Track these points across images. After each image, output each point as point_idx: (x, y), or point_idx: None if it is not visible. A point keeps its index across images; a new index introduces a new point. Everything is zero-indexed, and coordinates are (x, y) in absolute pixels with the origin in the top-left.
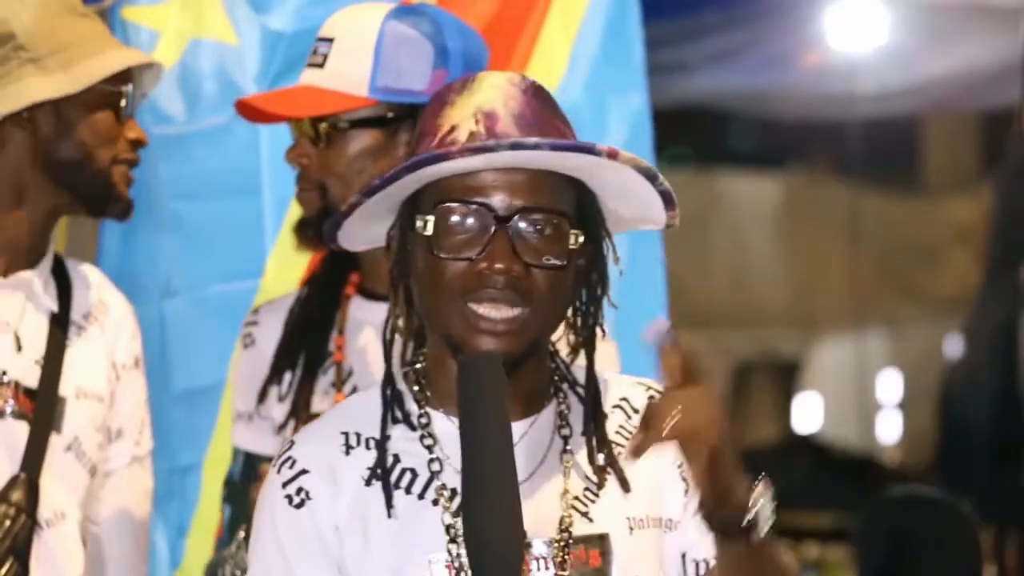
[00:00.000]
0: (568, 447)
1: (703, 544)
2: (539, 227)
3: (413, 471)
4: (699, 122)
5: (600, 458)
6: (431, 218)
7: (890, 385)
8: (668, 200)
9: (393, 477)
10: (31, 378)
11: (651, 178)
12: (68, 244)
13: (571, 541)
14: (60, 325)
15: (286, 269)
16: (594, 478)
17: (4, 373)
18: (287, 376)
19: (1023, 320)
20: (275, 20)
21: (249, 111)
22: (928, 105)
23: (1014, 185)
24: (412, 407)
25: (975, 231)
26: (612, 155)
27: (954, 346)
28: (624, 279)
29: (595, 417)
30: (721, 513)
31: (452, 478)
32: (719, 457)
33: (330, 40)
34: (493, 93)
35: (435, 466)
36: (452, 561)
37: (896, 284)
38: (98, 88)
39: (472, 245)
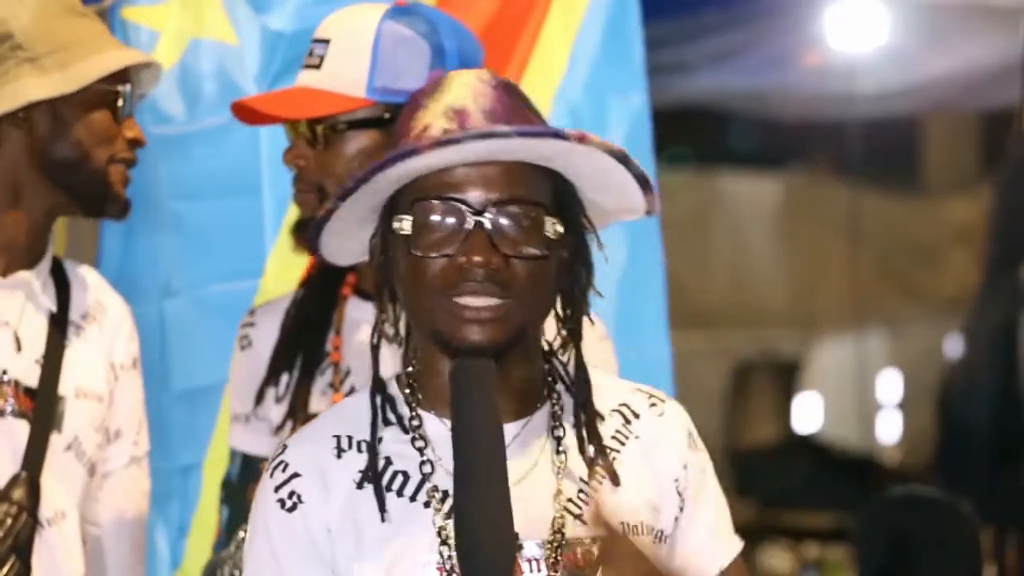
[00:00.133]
0: (561, 448)
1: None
2: (516, 218)
3: (405, 473)
4: (699, 122)
5: (590, 450)
6: (408, 217)
7: (890, 385)
8: (644, 184)
9: (385, 479)
10: (31, 377)
11: (623, 161)
12: (68, 244)
13: (564, 543)
14: (59, 325)
15: (286, 269)
16: (588, 480)
17: (4, 372)
18: (284, 377)
19: (1023, 320)
20: (275, 20)
21: (245, 113)
22: (928, 105)
23: (1014, 185)
24: (404, 410)
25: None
26: (581, 139)
27: (954, 346)
28: (624, 279)
29: (585, 409)
30: None
31: (444, 480)
32: None
33: (326, 41)
34: (463, 91)
35: (427, 468)
36: (444, 563)
37: (896, 284)
38: (95, 88)
39: (450, 241)
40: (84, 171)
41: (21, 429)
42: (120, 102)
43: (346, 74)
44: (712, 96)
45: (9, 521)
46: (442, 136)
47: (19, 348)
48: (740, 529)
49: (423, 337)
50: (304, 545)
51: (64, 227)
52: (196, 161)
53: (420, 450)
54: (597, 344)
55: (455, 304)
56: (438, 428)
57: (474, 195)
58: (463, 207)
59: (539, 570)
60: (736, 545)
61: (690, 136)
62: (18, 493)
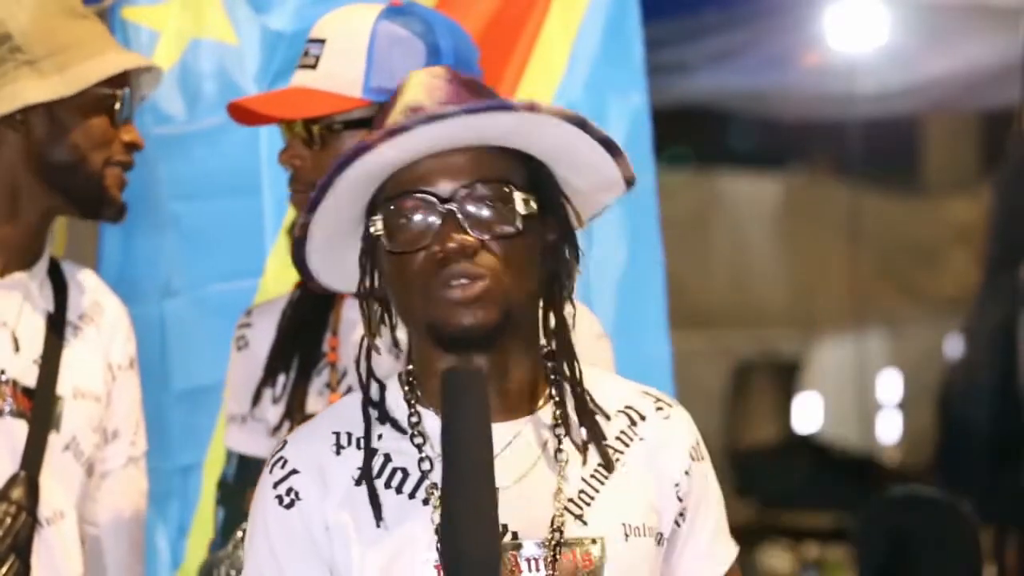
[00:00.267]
0: (562, 447)
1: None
2: (485, 200)
3: (404, 470)
4: (699, 122)
5: (583, 433)
6: (379, 217)
7: (890, 385)
8: (611, 148)
9: (384, 476)
10: (29, 377)
11: (581, 125)
12: (68, 244)
13: (562, 542)
14: (56, 326)
15: (286, 268)
16: (591, 481)
17: (2, 372)
18: (281, 378)
19: (1022, 319)
20: (275, 20)
21: (241, 113)
22: (928, 105)
23: (1014, 185)
24: (403, 407)
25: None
26: (531, 108)
27: (954, 346)
28: (624, 279)
29: (574, 390)
30: None
31: None
32: None
33: (322, 41)
34: (417, 89)
35: (425, 465)
36: (441, 560)
37: (896, 284)
38: (93, 91)
39: (425, 234)
40: (80, 174)
41: (20, 429)
42: (117, 105)
43: (342, 74)
44: (712, 96)
45: (8, 520)
46: (391, 126)
47: (17, 349)
48: (740, 529)
49: (418, 334)
50: (302, 542)
51: (64, 228)
52: (196, 161)
53: (419, 447)
54: (594, 342)
55: (440, 294)
56: (437, 425)
57: (441, 185)
58: (431, 198)
59: (538, 569)
60: (733, 550)
61: (690, 136)
62: (17, 493)
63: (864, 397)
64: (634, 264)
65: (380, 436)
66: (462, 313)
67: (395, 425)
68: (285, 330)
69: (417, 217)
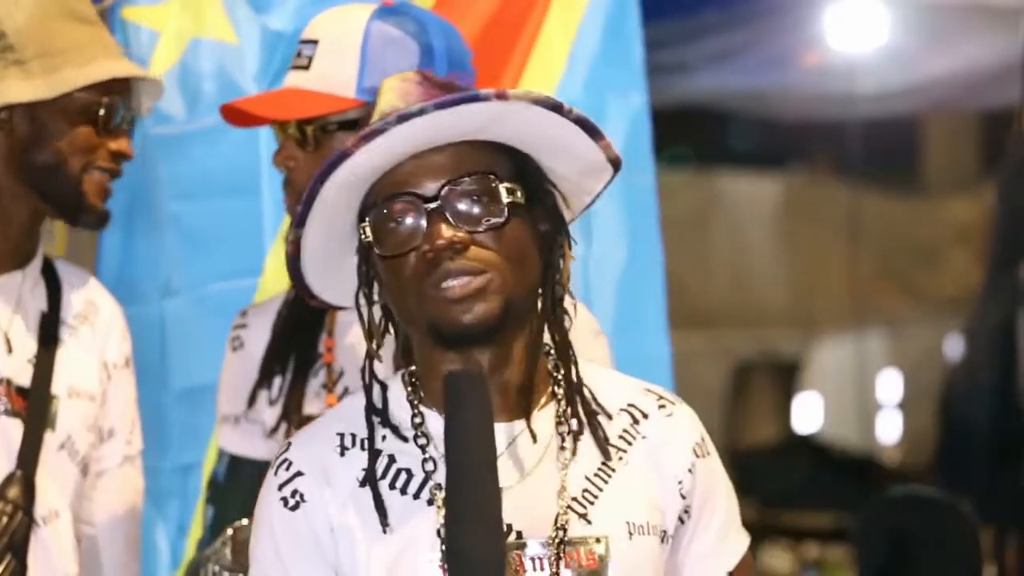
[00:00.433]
0: (565, 445)
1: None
2: (469, 194)
3: (408, 471)
4: (699, 122)
5: (574, 423)
6: (367, 223)
7: (890, 385)
8: (588, 128)
9: (388, 477)
10: (23, 377)
11: (555, 109)
12: (68, 244)
13: (566, 540)
14: (50, 325)
15: (285, 268)
16: (594, 480)
17: None
18: (277, 380)
19: (1022, 319)
20: (275, 20)
21: (235, 115)
22: (928, 105)
23: (1015, 184)
24: (405, 409)
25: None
26: (501, 97)
27: (954, 346)
28: (624, 279)
29: (568, 379)
30: None
31: None
32: None
33: (314, 42)
34: (391, 95)
35: (429, 466)
36: (445, 561)
37: (896, 284)
38: (78, 96)
39: (414, 235)
40: (59, 178)
41: (15, 428)
42: (102, 112)
43: (335, 75)
44: (712, 96)
45: (5, 520)
46: (365, 131)
47: (10, 350)
48: None
49: (419, 335)
50: (307, 544)
51: (64, 227)
52: (196, 160)
53: (422, 448)
54: (592, 340)
55: (436, 294)
56: (440, 425)
57: (425, 185)
58: (416, 199)
59: (542, 568)
60: (743, 543)
61: (690, 136)
62: (13, 492)
63: (864, 397)
64: (634, 264)
65: (384, 437)
66: (461, 310)
67: (396, 432)
68: (280, 331)
69: (404, 219)
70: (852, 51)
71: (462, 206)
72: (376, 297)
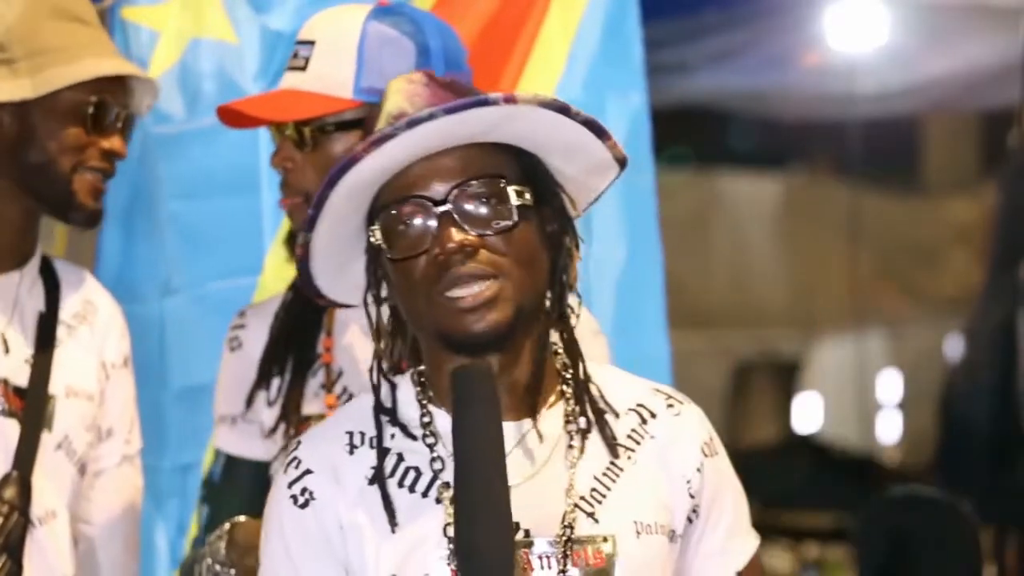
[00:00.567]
0: (573, 444)
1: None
2: (478, 197)
3: (417, 469)
4: (699, 122)
5: (582, 422)
6: (376, 227)
7: (890, 385)
8: (595, 130)
9: (397, 476)
10: (21, 377)
11: (563, 111)
12: (68, 243)
13: (573, 538)
14: (48, 325)
15: (284, 266)
16: (602, 479)
17: None
18: (275, 381)
19: (1022, 319)
20: (275, 20)
21: (232, 116)
22: (928, 105)
23: (1016, 184)
24: (415, 407)
25: (975, 231)
26: (509, 100)
27: (954, 346)
28: (623, 278)
29: (576, 378)
30: None
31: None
32: None
33: (311, 43)
34: (397, 97)
35: (437, 465)
36: (453, 560)
37: (896, 284)
38: (66, 96)
39: (423, 238)
40: (49, 177)
41: (11, 428)
42: (91, 110)
43: (332, 75)
44: (712, 96)
45: (0, 520)
46: (374, 136)
47: (7, 350)
48: None
49: (427, 337)
50: (317, 541)
51: (64, 227)
52: (195, 160)
53: (431, 447)
54: (591, 339)
55: (447, 299)
56: (449, 424)
57: (434, 188)
58: (425, 202)
59: (550, 567)
60: (752, 543)
61: (690, 136)
62: (9, 492)
63: (864, 397)
64: (633, 264)
65: (392, 435)
66: (472, 320)
67: (405, 431)
68: (278, 332)
69: (414, 222)
70: (852, 51)
71: (472, 209)
72: (384, 292)
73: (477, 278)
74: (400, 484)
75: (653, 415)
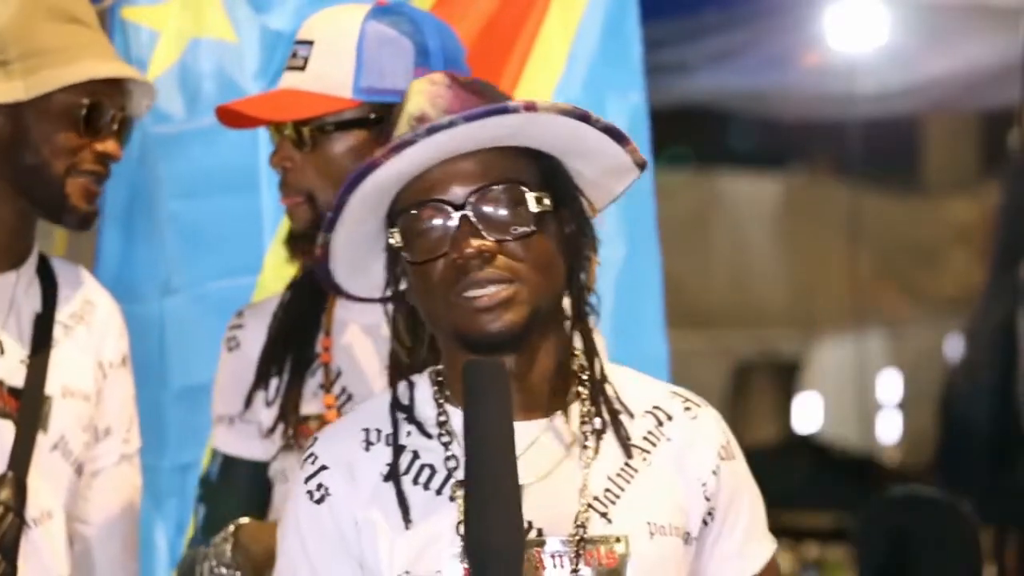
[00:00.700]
0: (588, 445)
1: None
2: (497, 202)
3: (432, 467)
4: (699, 122)
5: (597, 422)
6: (396, 229)
7: (890, 385)
8: (615, 136)
9: (412, 473)
10: (16, 378)
11: (583, 119)
12: (68, 243)
13: (586, 538)
14: (45, 325)
15: (284, 265)
16: (617, 479)
17: None
18: (273, 381)
19: (1022, 319)
20: (275, 20)
21: (231, 117)
22: (928, 105)
23: (1016, 184)
24: (431, 406)
25: (975, 231)
26: (530, 108)
27: (954, 346)
28: (621, 278)
29: (592, 378)
30: None
31: None
32: None
33: (310, 43)
34: (419, 98)
35: (452, 463)
36: (465, 551)
37: (896, 284)
38: (59, 98)
39: (442, 241)
40: (42, 179)
41: (7, 429)
42: (84, 113)
43: (331, 75)
44: (712, 96)
45: None
46: (395, 142)
47: (2, 351)
48: None
49: (445, 337)
50: (332, 537)
51: None
52: (195, 159)
53: (446, 445)
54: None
55: (464, 300)
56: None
57: (453, 191)
58: (444, 205)
59: (562, 566)
60: (769, 547)
61: (690, 136)
62: (4, 493)
63: (864, 397)
64: (632, 264)
65: (408, 433)
66: (488, 320)
67: (421, 429)
68: (276, 332)
69: (433, 225)
70: (852, 51)
71: (490, 214)
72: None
73: (493, 282)
74: (415, 481)
75: (670, 417)
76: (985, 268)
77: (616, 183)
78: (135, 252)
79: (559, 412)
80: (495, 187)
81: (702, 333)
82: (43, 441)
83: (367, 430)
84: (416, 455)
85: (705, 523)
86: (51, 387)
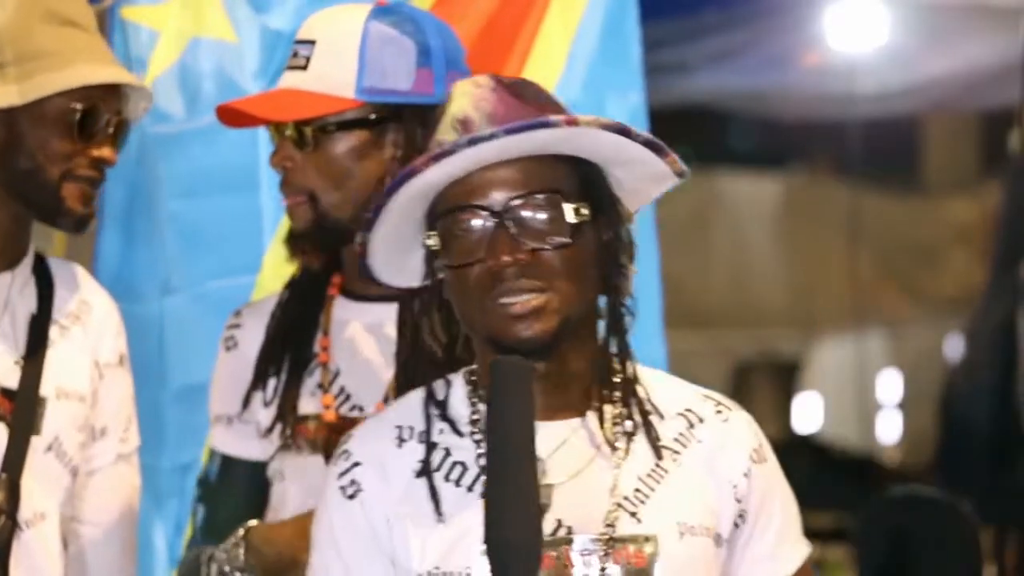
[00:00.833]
0: (618, 445)
1: None
2: (535, 211)
3: (463, 464)
4: (699, 122)
5: (628, 425)
6: (434, 232)
7: (890, 385)
8: (655, 148)
9: (444, 470)
10: (11, 379)
11: (624, 134)
12: (68, 243)
13: (615, 537)
14: (40, 326)
15: (283, 265)
16: (647, 480)
17: None
18: (271, 381)
19: (1022, 318)
20: (275, 20)
21: (233, 116)
22: (928, 105)
23: (1017, 184)
24: (465, 405)
25: (975, 231)
26: (571, 123)
27: (954, 346)
28: None
29: (625, 380)
30: None
31: None
32: None
33: (311, 42)
34: (464, 100)
35: (483, 460)
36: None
37: (896, 284)
38: (53, 102)
39: (479, 246)
40: (36, 183)
41: (0, 431)
42: (78, 118)
43: (334, 75)
44: (712, 96)
45: None
46: (436, 151)
47: None
48: None
49: (479, 339)
50: (364, 532)
51: None
52: (195, 159)
53: (478, 443)
54: None
55: (498, 306)
56: None
57: (492, 197)
58: (482, 211)
59: (590, 565)
60: (803, 551)
61: (690, 136)
62: None
63: (864, 397)
64: None
65: (441, 431)
66: (519, 326)
67: (453, 427)
68: (274, 332)
69: (470, 230)
70: (852, 51)
71: (527, 223)
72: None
73: (527, 291)
74: (447, 478)
75: (701, 420)
76: (985, 268)
77: (654, 188)
78: (135, 252)
79: (591, 413)
80: (534, 196)
81: (702, 333)
82: (37, 443)
83: (400, 427)
84: (448, 452)
85: (736, 525)
86: (46, 388)
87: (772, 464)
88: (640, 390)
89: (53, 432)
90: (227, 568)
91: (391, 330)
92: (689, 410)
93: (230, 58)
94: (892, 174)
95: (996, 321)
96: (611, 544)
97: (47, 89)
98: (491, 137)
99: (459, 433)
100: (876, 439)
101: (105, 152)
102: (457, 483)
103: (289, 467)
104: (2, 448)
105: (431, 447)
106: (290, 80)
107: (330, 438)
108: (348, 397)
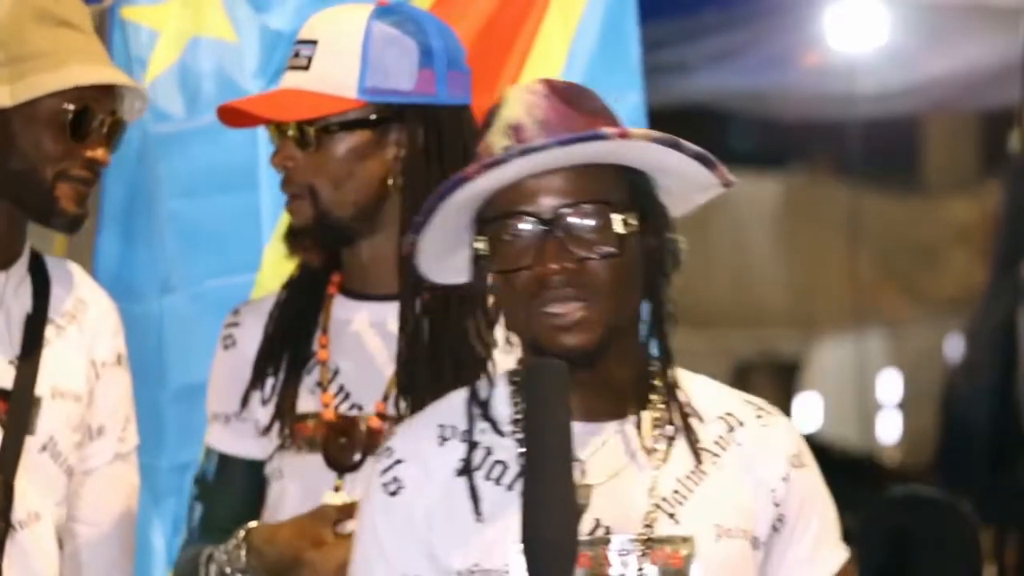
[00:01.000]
0: (659, 447)
1: None
2: (585, 221)
3: (504, 464)
4: (699, 122)
5: (669, 429)
6: (484, 237)
7: (890, 385)
8: (705, 161)
9: (484, 468)
10: (5, 379)
11: (674, 146)
12: (68, 243)
13: (652, 537)
14: (36, 325)
15: (283, 264)
16: (685, 482)
17: None
18: (270, 379)
19: (1022, 318)
20: (275, 19)
21: (234, 115)
22: (928, 105)
23: (1017, 184)
24: (506, 408)
25: (975, 231)
26: (624, 136)
27: (954, 346)
28: None
29: (666, 383)
30: None
31: None
32: None
33: (313, 42)
34: (516, 106)
35: (524, 460)
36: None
37: (896, 284)
38: (46, 103)
39: (527, 253)
40: (29, 184)
41: None
42: (71, 119)
43: (336, 75)
44: (712, 96)
45: None
46: (488, 159)
47: None
48: None
49: (523, 343)
50: (405, 529)
51: None
52: (194, 158)
53: (519, 442)
54: None
55: (543, 313)
56: None
57: (542, 205)
58: (531, 218)
59: (628, 565)
60: (841, 555)
61: (690, 136)
62: None
63: (864, 397)
64: None
65: (483, 430)
66: (564, 336)
67: (495, 427)
68: (272, 331)
69: (519, 236)
70: (852, 51)
71: (576, 231)
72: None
73: (573, 300)
74: (487, 477)
75: (741, 424)
76: (985, 268)
77: (700, 196)
78: (134, 251)
79: (632, 416)
80: (583, 205)
81: (702, 333)
82: (31, 443)
83: (442, 426)
84: (489, 451)
85: (775, 529)
86: (41, 388)
87: (812, 469)
88: (681, 394)
89: (48, 432)
90: (228, 569)
91: (390, 329)
92: (729, 414)
93: (230, 58)
94: (892, 174)
95: (996, 321)
96: (649, 544)
97: (39, 90)
98: (543, 148)
99: (500, 433)
100: (876, 439)
101: (98, 153)
102: (497, 482)
103: (288, 466)
104: None
105: (472, 446)
106: (292, 80)
107: (329, 436)
108: (347, 395)
